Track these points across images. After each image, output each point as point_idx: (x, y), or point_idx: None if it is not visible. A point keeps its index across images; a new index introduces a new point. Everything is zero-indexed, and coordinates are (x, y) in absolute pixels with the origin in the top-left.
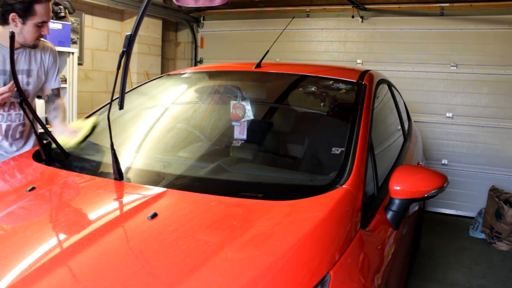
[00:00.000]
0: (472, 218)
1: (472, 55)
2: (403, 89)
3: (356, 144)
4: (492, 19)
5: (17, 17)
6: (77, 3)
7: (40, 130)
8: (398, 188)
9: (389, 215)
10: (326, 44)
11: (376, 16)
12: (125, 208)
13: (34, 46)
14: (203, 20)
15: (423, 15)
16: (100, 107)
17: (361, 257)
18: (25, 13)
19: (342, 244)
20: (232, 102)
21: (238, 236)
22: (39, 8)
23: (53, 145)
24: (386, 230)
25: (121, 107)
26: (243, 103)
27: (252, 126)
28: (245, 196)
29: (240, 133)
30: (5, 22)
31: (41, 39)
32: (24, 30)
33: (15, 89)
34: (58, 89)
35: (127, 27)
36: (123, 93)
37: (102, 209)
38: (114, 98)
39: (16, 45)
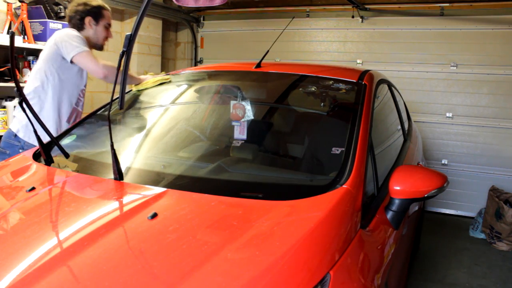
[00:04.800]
0: (472, 218)
1: (472, 55)
2: (403, 89)
3: (356, 144)
4: (492, 19)
5: (92, 20)
6: None
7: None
8: (398, 188)
9: (389, 215)
10: (326, 44)
11: (376, 16)
12: (125, 208)
13: (101, 47)
14: (203, 20)
15: (423, 15)
16: (100, 107)
17: (361, 257)
18: (97, 16)
19: (342, 244)
20: (232, 102)
21: (238, 236)
22: (105, 12)
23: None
24: (386, 230)
25: (121, 107)
26: (243, 103)
27: (252, 126)
28: (245, 196)
29: (240, 133)
30: (82, 26)
31: None
32: (97, 31)
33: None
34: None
35: (127, 27)
36: (123, 93)
37: (102, 209)
38: (114, 98)
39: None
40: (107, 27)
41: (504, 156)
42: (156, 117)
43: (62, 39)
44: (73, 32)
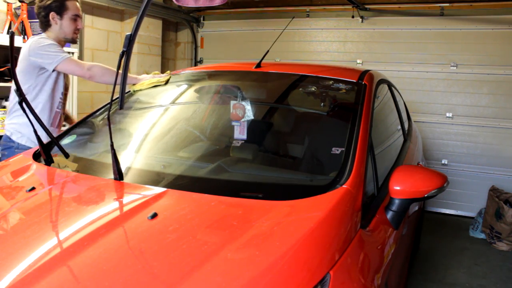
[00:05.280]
0: (472, 218)
1: (472, 55)
2: (403, 89)
3: (356, 144)
4: (492, 19)
5: (55, 15)
6: None
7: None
8: (398, 188)
9: (389, 215)
10: (326, 44)
11: (376, 16)
12: (125, 208)
13: (73, 41)
14: (203, 20)
15: (423, 15)
16: (100, 107)
17: (361, 257)
18: (60, 9)
19: (342, 244)
20: (232, 102)
21: (238, 236)
22: (69, 3)
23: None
24: (386, 230)
25: (121, 107)
26: (243, 103)
27: (252, 126)
28: (245, 196)
29: (240, 133)
30: (47, 24)
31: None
32: (63, 25)
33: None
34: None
35: (127, 27)
36: (123, 93)
37: (102, 209)
38: (114, 98)
39: (61, 43)
40: (75, 18)
41: (504, 156)
42: (156, 117)
43: (37, 51)
44: (44, 40)
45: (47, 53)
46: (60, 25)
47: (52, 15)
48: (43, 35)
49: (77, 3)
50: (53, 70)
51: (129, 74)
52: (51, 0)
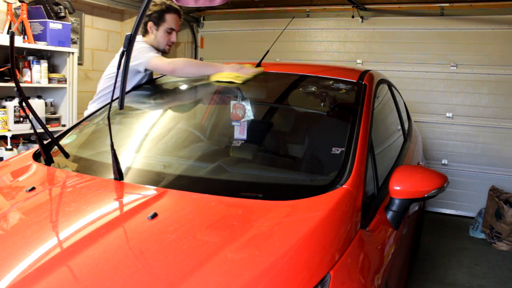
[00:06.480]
0: (472, 218)
1: (472, 55)
2: (403, 89)
3: (356, 144)
4: (492, 19)
5: (152, 25)
6: (77, 3)
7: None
8: (398, 188)
9: (389, 215)
10: (326, 44)
11: (376, 16)
12: (125, 208)
13: (164, 51)
14: (203, 20)
15: (423, 15)
16: (100, 107)
17: (361, 257)
18: (158, 21)
19: (342, 244)
20: (232, 102)
21: (238, 236)
22: (168, 16)
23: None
24: (386, 230)
25: (121, 107)
26: (243, 103)
27: (252, 126)
28: (245, 196)
29: (240, 133)
30: (146, 31)
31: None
32: (157, 35)
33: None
34: None
35: (127, 27)
36: (123, 93)
37: (102, 209)
38: (114, 98)
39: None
40: (170, 31)
41: (504, 156)
42: (157, 117)
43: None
44: (136, 45)
45: (137, 56)
46: (155, 35)
47: (150, 24)
48: (139, 38)
49: (178, 17)
50: (145, 70)
51: (211, 63)
52: (153, 10)
